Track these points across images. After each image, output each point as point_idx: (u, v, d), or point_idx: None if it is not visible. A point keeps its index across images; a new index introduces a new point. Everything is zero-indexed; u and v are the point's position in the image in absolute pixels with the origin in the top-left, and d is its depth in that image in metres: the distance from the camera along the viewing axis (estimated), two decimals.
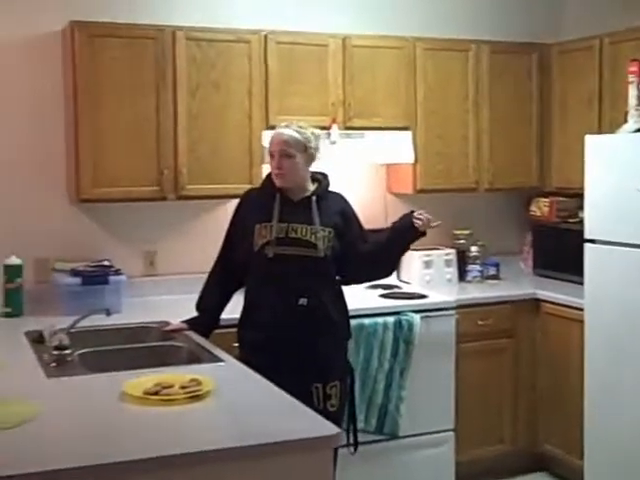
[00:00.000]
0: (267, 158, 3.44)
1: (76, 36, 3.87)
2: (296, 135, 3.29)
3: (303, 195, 3.33)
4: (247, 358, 3.10)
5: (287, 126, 3.33)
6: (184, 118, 4.05)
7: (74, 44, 3.88)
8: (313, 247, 3.26)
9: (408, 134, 4.53)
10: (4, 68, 4.05)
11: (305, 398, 2.60)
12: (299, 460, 2.21)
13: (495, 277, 4.86)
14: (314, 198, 3.31)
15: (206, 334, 3.42)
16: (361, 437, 3.51)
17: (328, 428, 2.29)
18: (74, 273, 3.91)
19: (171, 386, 2.57)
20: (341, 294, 3.39)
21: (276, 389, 2.64)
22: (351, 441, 3.44)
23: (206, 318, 3.48)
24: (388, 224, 4.73)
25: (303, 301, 3.24)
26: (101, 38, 3.90)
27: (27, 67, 4.08)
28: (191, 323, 3.47)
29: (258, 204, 3.37)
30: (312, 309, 3.25)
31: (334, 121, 4.33)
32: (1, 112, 4.05)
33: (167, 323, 3.56)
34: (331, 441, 2.26)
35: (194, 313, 3.50)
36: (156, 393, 2.52)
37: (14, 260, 3.83)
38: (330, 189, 3.43)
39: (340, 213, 3.37)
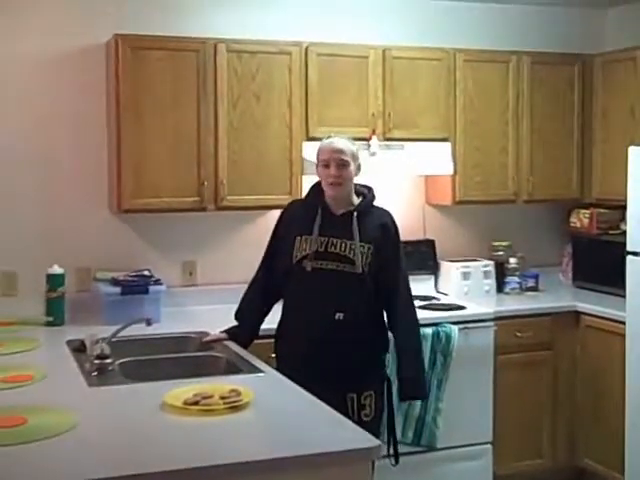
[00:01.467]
0: (313, 169, 3.44)
1: (120, 49, 3.92)
2: (349, 145, 3.32)
3: (346, 209, 3.32)
4: (283, 369, 3.10)
5: (335, 136, 3.36)
6: (225, 129, 4.08)
7: (118, 56, 3.93)
8: (351, 263, 3.25)
9: (447, 145, 4.53)
10: (50, 80, 4.11)
11: (340, 408, 2.61)
12: (338, 471, 2.21)
13: (534, 289, 4.83)
14: (355, 213, 3.30)
15: (245, 344, 3.44)
16: (399, 448, 3.49)
17: (368, 440, 2.28)
18: (114, 282, 3.95)
19: (211, 396, 2.59)
20: (378, 308, 3.36)
21: (315, 400, 2.64)
22: (391, 452, 3.42)
23: (245, 328, 3.50)
24: (427, 236, 4.80)
25: (339, 316, 3.24)
26: (144, 50, 3.95)
27: (72, 79, 4.14)
28: (230, 333, 3.49)
29: (300, 216, 3.38)
30: (348, 324, 3.24)
31: (374, 132, 4.34)
32: (46, 124, 4.11)
33: (206, 333, 3.58)
34: (371, 453, 2.25)
35: (233, 323, 3.53)
36: (196, 403, 2.53)
37: (56, 270, 3.88)
38: (375, 204, 3.41)
39: (381, 227, 3.34)
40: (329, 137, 3.37)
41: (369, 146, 4.28)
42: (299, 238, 3.29)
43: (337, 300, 3.26)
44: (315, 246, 3.26)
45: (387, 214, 3.41)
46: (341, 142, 3.31)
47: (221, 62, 4.08)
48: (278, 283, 3.40)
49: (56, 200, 4.15)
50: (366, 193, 3.39)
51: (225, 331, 3.51)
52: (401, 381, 3.34)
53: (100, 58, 4.16)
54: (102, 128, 4.17)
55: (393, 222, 3.39)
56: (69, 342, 3.43)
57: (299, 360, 3.23)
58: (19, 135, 4.08)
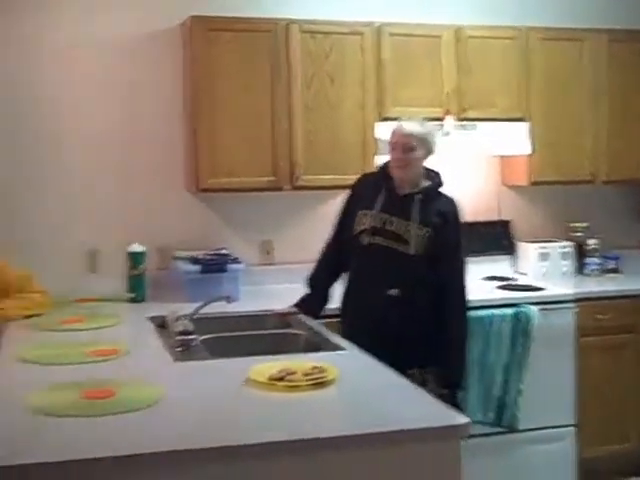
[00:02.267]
0: (386, 149, 3.45)
1: (194, 30, 3.96)
2: (419, 128, 3.32)
3: (410, 191, 3.34)
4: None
5: (410, 119, 3.37)
6: (299, 109, 4.10)
7: (192, 38, 3.97)
8: (405, 243, 3.28)
9: (524, 125, 4.46)
10: (126, 63, 4.18)
11: None
12: (427, 449, 2.19)
13: (615, 271, 4.75)
14: (419, 196, 3.32)
15: (316, 313, 3.51)
16: (480, 429, 3.48)
17: (456, 417, 2.27)
18: (194, 261, 4.01)
19: (294, 373, 2.60)
20: (433, 290, 3.32)
21: (399, 377, 2.64)
22: None
23: (316, 294, 3.57)
24: (502, 217, 4.76)
25: (393, 291, 3.28)
26: (218, 32, 3.99)
27: (150, 61, 4.21)
28: (301, 305, 3.56)
29: (367, 191, 3.43)
30: (403, 300, 3.28)
31: (448, 112, 4.31)
32: (124, 106, 4.19)
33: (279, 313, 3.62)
34: (459, 430, 2.24)
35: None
36: (281, 379, 2.55)
37: (137, 247, 3.95)
38: (442, 191, 3.41)
39: (443, 214, 3.33)
40: (407, 119, 3.38)
41: (443, 126, 4.25)
42: (361, 212, 3.37)
43: (389, 276, 3.31)
44: (374, 222, 3.31)
45: (452, 202, 3.40)
46: (410, 126, 3.32)
47: (294, 43, 4.09)
48: (345, 252, 3.46)
49: (136, 180, 4.23)
50: (434, 177, 3.41)
51: (296, 304, 3.57)
52: (440, 367, 3.32)
53: (176, 40, 4.21)
54: (179, 109, 4.23)
55: (456, 211, 3.38)
56: (151, 318, 3.50)
57: (357, 334, 3.24)
58: (99, 117, 4.16)
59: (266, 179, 4.07)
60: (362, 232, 3.34)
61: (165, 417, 2.29)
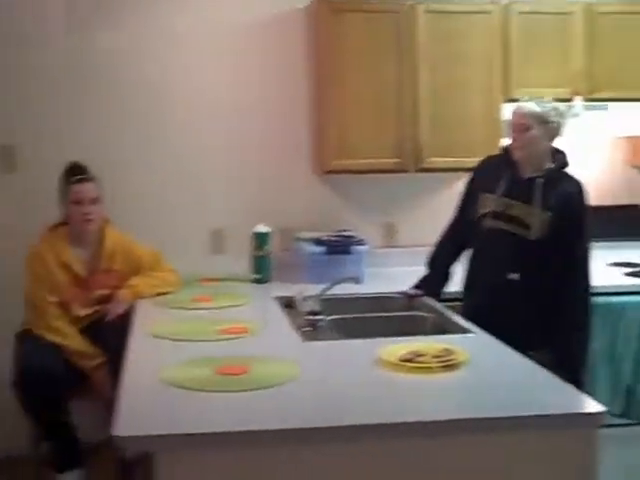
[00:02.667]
0: (509, 131, 3.40)
1: (320, 12, 3.96)
2: (535, 108, 3.24)
3: (534, 174, 3.27)
4: None
5: (529, 100, 3.29)
6: (425, 91, 4.06)
7: (318, 20, 3.98)
8: (526, 227, 3.22)
9: None
10: (251, 46, 4.22)
11: None
12: (560, 436, 2.15)
13: None
14: (541, 180, 3.25)
15: (437, 293, 3.51)
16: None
17: (591, 405, 2.22)
18: (317, 242, 4.03)
19: (424, 355, 2.59)
20: (554, 275, 3.24)
21: (530, 362, 2.60)
22: None
23: (436, 273, 3.57)
24: (632, 200, 4.61)
25: (513, 276, 3.24)
26: (344, 13, 3.98)
27: (275, 44, 4.24)
28: (421, 286, 3.55)
29: (489, 173, 3.39)
30: (523, 284, 3.23)
31: (576, 93, 4.19)
32: (249, 89, 4.24)
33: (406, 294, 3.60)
34: (594, 419, 2.19)
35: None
36: (410, 361, 2.55)
37: (262, 228, 4.00)
38: (568, 171, 3.32)
39: (567, 196, 3.24)
40: (526, 100, 3.32)
41: (571, 107, 4.13)
42: (483, 195, 3.34)
43: (510, 261, 3.26)
44: (495, 206, 3.28)
45: (576, 184, 3.30)
46: (527, 105, 3.25)
47: (420, 23, 4.05)
48: (466, 233, 3.45)
49: (261, 162, 4.28)
50: (559, 159, 3.32)
51: (416, 286, 3.57)
52: (558, 352, 3.22)
53: (301, 22, 4.23)
54: (304, 91, 4.25)
55: (581, 193, 3.28)
56: (277, 298, 3.54)
57: (478, 317, 3.20)
58: (226, 100, 4.23)
59: (391, 161, 4.05)
60: (484, 215, 3.31)
61: (298, 395, 2.33)
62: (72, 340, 3.52)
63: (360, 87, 4.01)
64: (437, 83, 4.08)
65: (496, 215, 3.28)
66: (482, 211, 3.32)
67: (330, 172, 4.07)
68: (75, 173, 3.63)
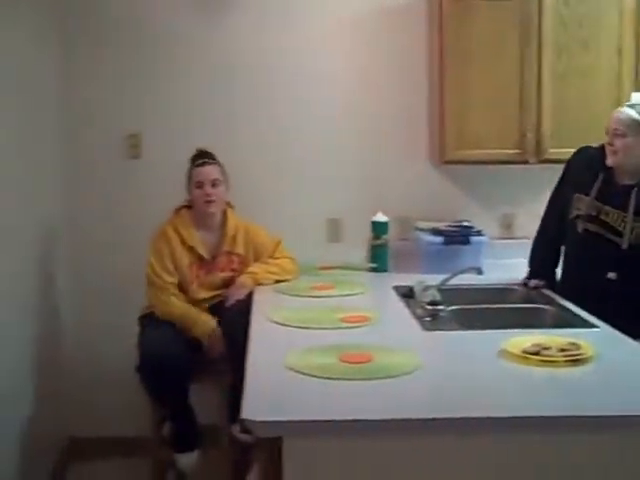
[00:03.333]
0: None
1: (443, 0, 3.91)
2: (634, 115, 3.16)
3: (629, 181, 3.21)
4: None
5: (632, 106, 3.22)
6: (549, 79, 3.96)
7: (442, 7, 3.93)
8: (619, 235, 3.17)
9: None
10: (372, 34, 4.21)
11: None
12: None
13: None
14: (636, 189, 3.18)
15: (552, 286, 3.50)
16: None
17: None
18: (436, 232, 4.00)
19: (549, 348, 2.54)
20: None
21: None
22: None
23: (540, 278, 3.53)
24: None
25: (611, 275, 3.20)
26: (468, 1, 3.91)
27: (394, 32, 4.21)
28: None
29: (584, 171, 3.35)
30: (620, 282, 3.18)
31: None
32: (369, 78, 4.23)
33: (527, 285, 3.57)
34: None
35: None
36: (535, 353, 2.50)
37: (380, 217, 4.00)
38: None
39: None
40: (629, 105, 3.24)
41: None
42: (577, 195, 3.31)
43: (605, 263, 3.22)
44: (589, 209, 3.24)
45: None
46: (626, 111, 3.19)
47: (546, 9, 3.94)
48: (560, 228, 3.43)
49: (378, 151, 4.27)
50: None
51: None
52: None
53: (421, 10, 4.19)
54: (423, 80, 4.22)
55: None
56: (396, 287, 3.53)
57: None
58: (343, 87, 4.23)
59: (512, 151, 3.97)
60: (577, 217, 3.29)
61: (422, 385, 2.32)
62: (187, 310, 3.60)
63: (482, 76, 3.94)
64: (562, 70, 3.97)
65: (589, 219, 3.25)
66: (576, 212, 3.31)
67: (449, 162, 4.03)
68: (200, 158, 3.72)
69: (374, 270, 3.96)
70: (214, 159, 3.74)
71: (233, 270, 3.73)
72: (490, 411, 2.10)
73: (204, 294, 3.70)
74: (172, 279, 3.64)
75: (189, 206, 3.75)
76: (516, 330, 2.78)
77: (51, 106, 4.07)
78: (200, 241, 3.70)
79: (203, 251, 3.69)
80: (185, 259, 3.66)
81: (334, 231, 4.28)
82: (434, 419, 2.06)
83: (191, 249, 3.67)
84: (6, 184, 3.39)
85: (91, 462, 4.24)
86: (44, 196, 3.96)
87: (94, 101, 4.18)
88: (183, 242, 3.66)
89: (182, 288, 3.68)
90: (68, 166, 4.19)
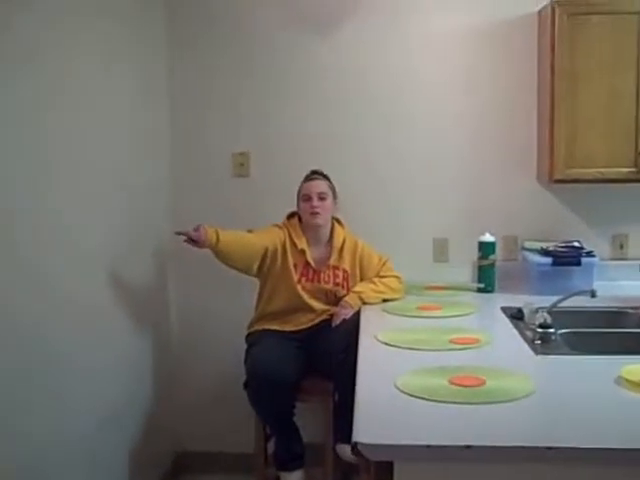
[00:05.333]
0: None
1: (556, 15, 3.83)
2: None
3: None
4: None
5: None
6: None
7: (554, 24, 3.85)
8: None
9: None
10: (481, 51, 4.16)
11: None
12: None
13: None
14: None
15: None
16: None
17: None
18: (544, 253, 3.92)
19: None
20: None
21: None
22: None
23: None
24: None
25: None
26: (581, 16, 3.81)
27: (504, 49, 4.14)
28: None
29: None
30: None
31: None
32: (477, 95, 4.17)
33: None
34: None
35: None
36: None
37: (488, 237, 3.94)
38: None
39: None
40: None
41: None
42: None
43: None
44: None
45: None
46: None
47: None
48: None
49: (486, 169, 4.21)
50: None
51: None
52: None
53: (532, 27, 4.12)
54: (533, 96, 4.14)
55: None
56: (504, 309, 3.47)
57: None
58: (450, 104, 4.19)
59: (626, 170, 3.84)
60: None
61: (538, 411, 2.28)
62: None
63: (595, 92, 3.82)
64: None
65: None
66: None
67: (559, 181, 3.92)
68: (311, 174, 3.80)
69: (481, 290, 3.91)
70: (324, 176, 3.79)
71: (337, 284, 3.74)
72: (607, 442, 2.02)
73: (315, 303, 3.72)
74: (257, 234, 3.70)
75: (299, 218, 3.80)
76: (634, 356, 2.69)
77: (162, 125, 4.17)
78: (309, 250, 3.73)
79: (311, 259, 3.71)
80: (292, 259, 3.70)
81: (440, 250, 4.24)
82: (549, 448, 1.99)
83: (301, 252, 3.71)
84: (119, 202, 3.49)
85: (197, 476, 4.30)
86: (156, 212, 4.05)
87: (203, 120, 4.26)
88: (294, 245, 3.70)
89: (280, 284, 3.71)
90: (177, 184, 4.27)
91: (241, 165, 4.26)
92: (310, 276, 3.72)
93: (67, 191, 2.96)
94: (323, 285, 3.73)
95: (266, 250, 3.65)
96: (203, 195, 4.29)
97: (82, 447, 3.08)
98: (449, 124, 4.20)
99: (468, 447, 2.00)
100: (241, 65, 4.22)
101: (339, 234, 3.78)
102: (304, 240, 3.73)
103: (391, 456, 2.03)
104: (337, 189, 3.81)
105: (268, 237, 3.68)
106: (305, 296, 3.71)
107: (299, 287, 3.70)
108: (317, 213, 3.70)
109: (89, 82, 3.18)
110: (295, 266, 3.70)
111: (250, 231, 3.71)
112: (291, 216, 3.82)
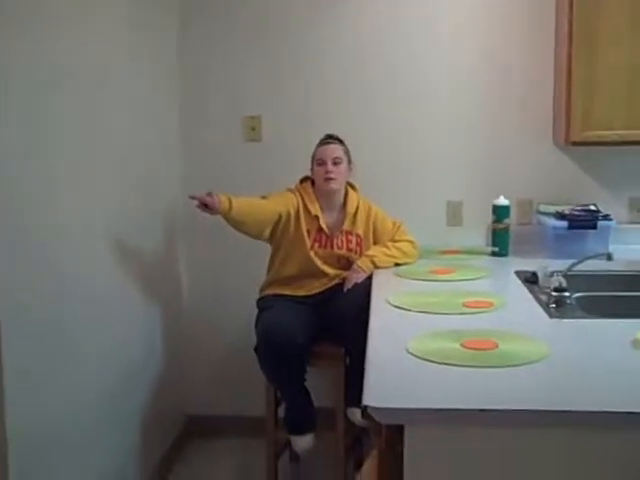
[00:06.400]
0: None
1: None
2: None
3: None
4: None
5: None
6: None
7: None
8: None
9: None
10: (497, 7, 4.08)
11: None
12: None
13: None
14: None
15: None
16: None
17: None
18: (559, 216, 3.86)
19: None
20: None
21: None
22: None
23: None
24: None
25: None
26: None
27: (519, 8, 4.07)
28: None
29: None
30: None
31: None
32: (492, 56, 4.11)
33: None
34: None
35: None
36: None
37: (502, 201, 3.89)
38: None
39: None
40: None
41: None
42: None
43: None
44: None
45: None
46: None
47: None
48: None
49: (501, 132, 4.15)
50: None
51: None
52: None
53: None
54: (550, 59, 4.06)
55: None
56: (518, 273, 3.43)
57: None
58: (466, 67, 4.13)
59: None
60: None
61: (550, 375, 2.23)
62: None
63: (614, 54, 3.73)
64: None
65: None
66: None
67: (577, 144, 3.85)
68: (326, 139, 3.74)
69: (495, 254, 3.86)
70: (340, 141, 3.73)
71: (350, 250, 3.70)
72: (623, 405, 1.98)
73: (328, 269, 3.68)
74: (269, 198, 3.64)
75: (312, 182, 3.74)
76: None
77: (172, 90, 4.12)
78: (322, 216, 3.68)
79: (324, 224, 3.67)
80: (305, 224, 3.65)
81: (454, 214, 4.19)
82: (564, 411, 1.96)
83: (314, 218, 3.66)
84: (128, 169, 3.45)
85: (208, 440, 4.31)
86: (168, 180, 4.02)
87: (214, 84, 4.21)
88: (307, 210, 3.66)
89: (293, 250, 3.67)
90: (187, 149, 4.23)
91: (252, 129, 4.21)
92: (323, 242, 3.68)
93: (79, 163, 2.92)
94: (336, 251, 3.69)
95: (279, 216, 3.60)
96: (215, 161, 4.25)
97: (95, 413, 3.08)
98: (464, 86, 4.14)
99: (481, 411, 1.96)
100: (254, 28, 4.16)
101: (353, 199, 3.73)
102: (317, 205, 3.68)
103: (401, 420, 1.99)
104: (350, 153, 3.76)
105: (282, 202, 3.63)
106: (318, 262, 3.67)
107: (312, 253, 3.66)
108: (331, 178, 3.64)
109: (102, 47, 3.12)
110: (308, 232, 3.65)
111: (264, 197, 3.64)
112: (304, 180, 3.77)
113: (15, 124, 2.47)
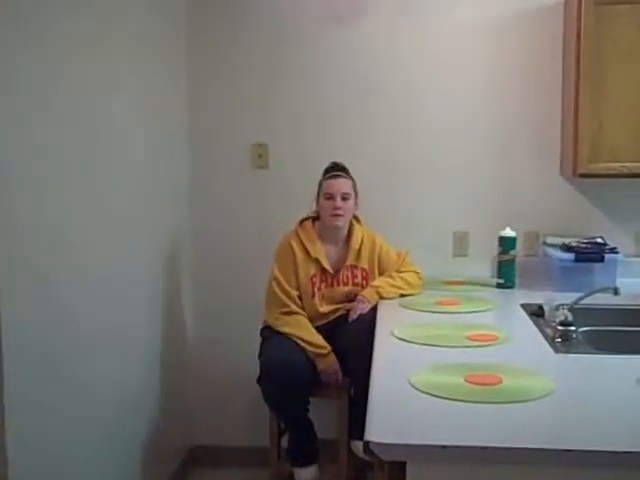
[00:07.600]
0: None
1: (583, 5, 3.74)
2: None
3: None
4: None
5: None
6: None
7: (580, 13, 3.75)
8: None
9: None
10: (505, 42, 4.08)
11: None
12: None
13: None
14: None
15: None
16: None
17: None
18: (566, 248, 3.83)
19: None
20: None
21: None
22: None
23: None
24: None
25: None
26: (608, 5, 3.70)
27: (528, 40, 4.06)
28: None
29: None
30: None
31: None
32: (501, 87, 4.10)
33: None
34: None
35: None
36: None
37: (509, 232, 3.87)
38: None
39: None
40: None
41: None
42: None
43: None
44: None
45: None
46: None
47: None
48: None
49: (508, 163, 4.13)
50: None
51: None
52: None
53: (558, 16, 4.02)
54: (557, 90, 4.05)
55: None
56: (523, 305, 3.40)
57: None
58: (472, 97, 4.12)
59: None
60: None
61: (556, 412, 2.20)
62: (304, 331, 3.55)
63: (622, 84, 3.72)
64: None
65: None
66: None
67: (584, 176, 3.82)
68: (333, 170, 3.69)
69: (501, 286, 3.84)
70: (347, 173, 3.70)
71: (356, 284, 3.68)
72: (629, 445, 1.94)
73: (326, 308, 3.66)
74: (294, 292, 3.61)
75: (314, 218, 3.71)
76: None
77: (179, 117, 4.12)
78: (324, 254, 3.65)
79: (327, 264, 3.64)
80: (308, 271, 3.62)
81: (460, 245, 4.17)
82: (568, 450, 1.93)
83: (315, 261, 3.63)
84: (136, 194, 3.45)
85: (211, 470, 4.27)
86: (172, 204, 4.01)
87: (222, 112, 4.21)
88: (307, 254, 3.63)
89: (301, 301, 3.64)
90: (195, 176, 4.23)
91: (259, 157, 4.21)
92: (329, 281, 3.66)
93: (87, 195, 2.92)
94: (342, 287, 3.67)
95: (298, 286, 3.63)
96: (222, 187, 4.24)
97: (98, 437, 3.05)
98: (470, 117, 4.13)
99: (484, 448, 1.93)
100: (261, 57, 4.16)
101: (357, 234, 3.70)
102: (318, 245, 3.65)
103: (404, 456, 1.97)
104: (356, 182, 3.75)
105: (290, 277, 3.61)
106: (323, 306, 3.66)
107: (315, 300, 3.64)
108: (339, 215, 3.62)
109: (112, 68, 3.14)
110: (311, 278, 3.63)
111: (276, 279, 3.62)
112: (304, 220, 3.74)
113: (21, 126, 2.47)
